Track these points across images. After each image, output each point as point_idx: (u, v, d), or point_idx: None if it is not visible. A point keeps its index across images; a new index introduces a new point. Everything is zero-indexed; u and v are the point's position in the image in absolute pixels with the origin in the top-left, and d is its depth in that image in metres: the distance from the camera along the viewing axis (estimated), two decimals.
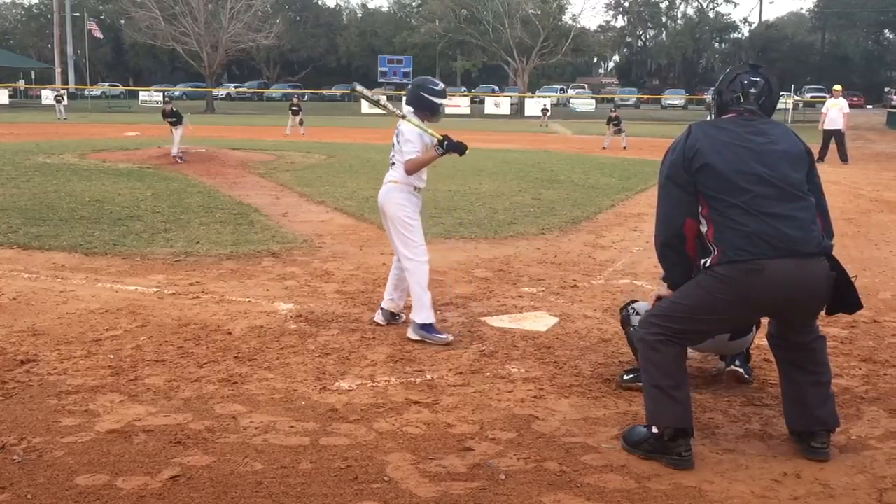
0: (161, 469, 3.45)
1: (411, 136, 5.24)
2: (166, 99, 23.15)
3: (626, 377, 4.59)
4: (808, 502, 3.27)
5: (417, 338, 5.27)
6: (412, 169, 5.26)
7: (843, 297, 3.62)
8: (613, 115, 25.84)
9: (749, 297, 3.46)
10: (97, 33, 68.22)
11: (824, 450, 3.64)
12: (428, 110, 5.36)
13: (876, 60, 79.60)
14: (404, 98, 5.38)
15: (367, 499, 3.24)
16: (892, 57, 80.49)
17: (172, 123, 18.16)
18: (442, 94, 5.38)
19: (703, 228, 3.58)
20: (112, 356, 4.91)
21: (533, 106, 53.20)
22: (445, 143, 5.16)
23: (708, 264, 3.53)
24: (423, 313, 5.27)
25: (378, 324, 5.63)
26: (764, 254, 3.40)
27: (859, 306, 3.68)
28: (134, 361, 4.83)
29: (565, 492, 3.31)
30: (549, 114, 44.33)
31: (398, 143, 5.32)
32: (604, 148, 24.68)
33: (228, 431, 3.85)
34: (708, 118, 3.90)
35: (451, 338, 5.31)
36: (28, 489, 3.27)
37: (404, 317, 5.65)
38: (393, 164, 5.40)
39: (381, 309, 5.67)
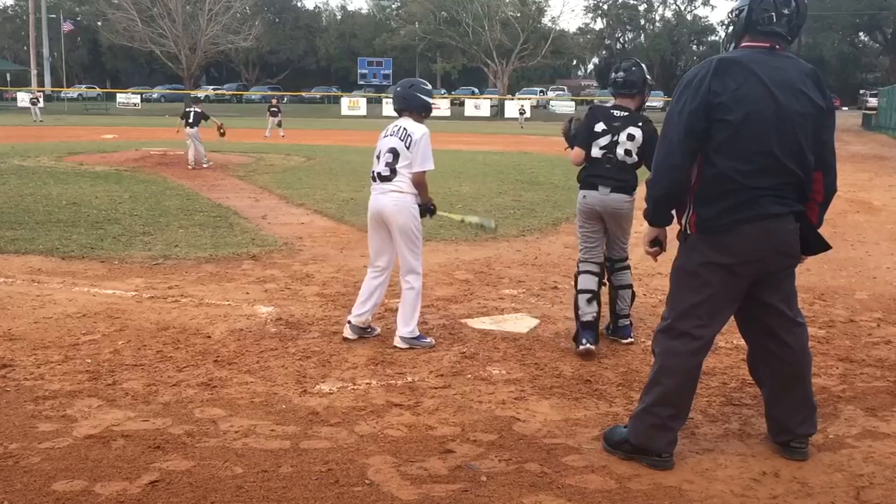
0: (140, 474, 3.42)
1: (428, 144, 5.13)
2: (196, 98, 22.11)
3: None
4: (786, 501, 3.30)
5: (406, 346, 5.21)
6: (423, 182, 5.17)
7: (811, 243, 3.57)
8: None
9: (726, 253, 3.41)
10: (68, 28, 67.45)
11: (802, 449, 3.67)
12: (423, 111, 5.32)
13: (851, 63, 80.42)
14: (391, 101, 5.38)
15: (348, 502, 3.23)
16: (868, 59, 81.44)
17: (195, 125, 17.46)
18: (431, 94, 5.44)
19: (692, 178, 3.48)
20: (90, 361, 4.86)
21: (513, 108, 53.39)
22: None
23: (686, 229, 3.50)
24: (412, 326, 5.23)
25: (347, 339, 5.34)
26: (738, 220, 3.37)
27: (827, 246, 3.63)
28: (112, 366, 4.79)
29: (546, 493, 3.32)
30: (525, 115, 44.40)
31: (407, 149, 5.08)
32: None
33: (208, 436, 3.82)
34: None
35: (433, 341, 5.32)
36: (4, 496, 3.23)
37: (378, 329, 5.51)
38: (391, 172, 5.12)
39: (349, 325, 5.39)
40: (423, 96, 5.30)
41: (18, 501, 3.20)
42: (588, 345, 5.07)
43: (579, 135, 5.30)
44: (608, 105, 5.36)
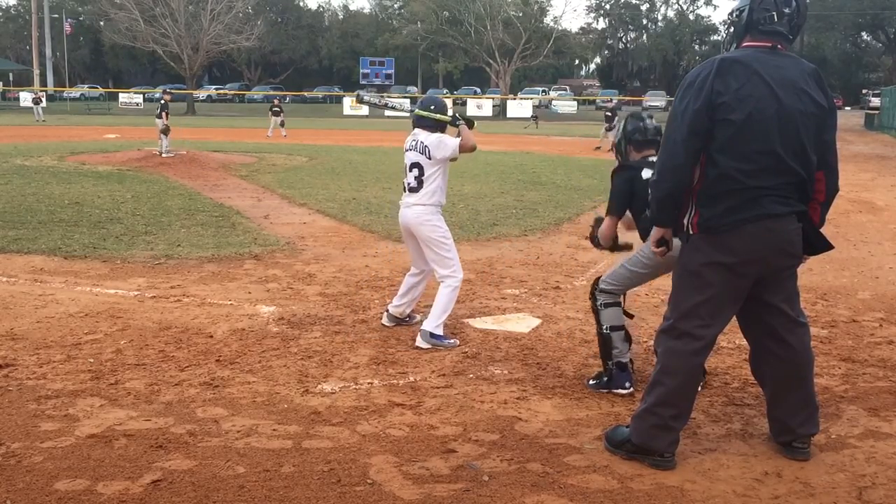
0: (142, 474, 3.42)
1: (443, 138, 5.34)
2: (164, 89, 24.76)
3: (591, 382, 4.63)
4: (788, 501, 3.30)
5: (428, 346, 5.22)
6: (470, 145, 5.33)
7: (813, 243, 3.56)
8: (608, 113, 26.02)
9: (729, 253, 3.40)
10: (68, 30, 67.66)
11: (805, 449, 3.67)
12: (437, 128, 5.46)
13: (854, 63, 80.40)
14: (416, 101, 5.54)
15: (350, 501, 3.23)
16: (870, 59, 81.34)
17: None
18: (445, 111, 5.60)
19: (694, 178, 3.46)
20: (92, 360, 4.87)
21: (515, 108, 53.47)
22: (458, 119, 5.44)
23: (688, 229, 3.49)
24: (437, 321, 5.28)
25: (385, 326, 5.66)
26: (740, 220, 3.36)
27: (829, 246, 3.62)
28: (114, 365, 4.79)
29: (548, 493, 3.32)
30: (538, 119, 44.20)
31: (429, 160, 5.31)
32: (597, 148, 24.98)
33: (210, 435, 3.82)
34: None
35: (457, 342, 5.35)
36: (7, 495, 3.23)
37: (418, 317, 5.67)
38: (419, 185, 5.36)
39: (387, 313, 5.73)
40: (436, 114, 5.47)
41: (21, 501, 3.20)
42: (632, 387, 4.52)
43: (621, 202, 4.49)
44: (639, 160, 4.52)
